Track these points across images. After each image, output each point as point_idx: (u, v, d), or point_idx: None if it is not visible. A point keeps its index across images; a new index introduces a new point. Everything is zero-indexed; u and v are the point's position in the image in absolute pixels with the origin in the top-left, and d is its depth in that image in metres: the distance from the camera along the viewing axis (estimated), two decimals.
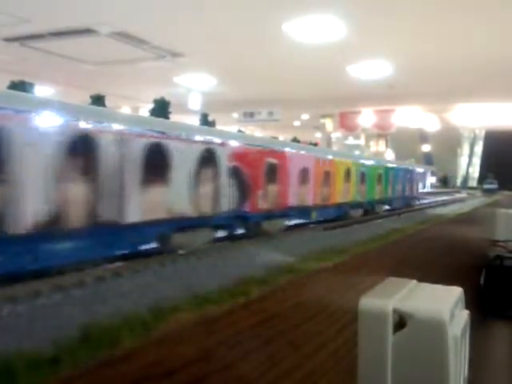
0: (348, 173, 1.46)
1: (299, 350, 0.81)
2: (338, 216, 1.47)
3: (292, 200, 1.14)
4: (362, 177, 1.57)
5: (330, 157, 1.39)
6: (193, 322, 0.55)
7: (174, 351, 0.52)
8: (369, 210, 1.70)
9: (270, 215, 1.07)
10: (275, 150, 1.09)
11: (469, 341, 1.20)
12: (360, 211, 1.62)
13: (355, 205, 1.56)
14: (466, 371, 1.22)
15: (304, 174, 1.19)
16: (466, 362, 1.21)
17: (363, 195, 1.60)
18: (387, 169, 1.85)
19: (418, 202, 2.42)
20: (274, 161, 1.06)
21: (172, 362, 0.52)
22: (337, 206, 1.41)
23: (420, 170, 2.56)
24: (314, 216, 1.28)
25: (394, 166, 1.99)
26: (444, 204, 3.03)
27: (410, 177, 2.15)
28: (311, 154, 1.28)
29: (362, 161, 1.66)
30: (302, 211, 1.22)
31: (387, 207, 1.94)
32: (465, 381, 1.20)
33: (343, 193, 1.44)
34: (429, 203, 2.82)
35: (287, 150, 1.17)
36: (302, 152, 1.23)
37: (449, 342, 1.01)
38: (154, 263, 0.76)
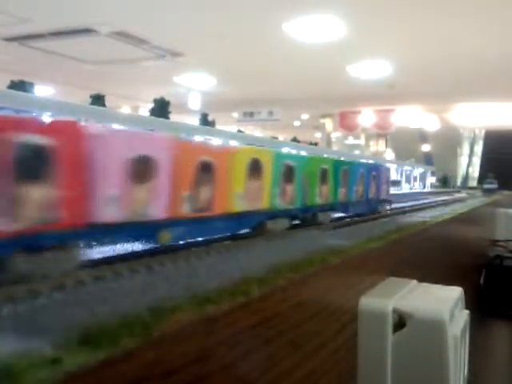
0: (256, 166, 0.98)
1: (299, 350, 0.81)
2: (234, 231, 1.02)
3: (102, 212, 0.65)
4: (289, 173, 1.10)
5: (218, 141, 0.97)
6: (193, 322, 0.55)
7: (173, 351, 0.52)
8: (307, 219, 1.28)
9: (29, 242, 0.59)
10: (41, 122, 0.60)
11: (469, 340, 1.21)
12: (286, 222, 1.15)
13: (277, 213, 1.10)
14: (466, 371, 1.22)
15: (138, 167, 0.70)
16: (466, 361, 1.21)
17: (291, 199, 1.12)
18: (338, 163, 1.38)
19: (388, 207, 1.94)
20: (36, 140, 0.57)
21: (172, 362, 0.52)
22: (230, 216, 0.94)
23: (391, 166, 2.26)
24: (167, 238, 0.78)
25: (351, 159, 1.71)
26: (423, 208, 2.54)
27: (376, 174, 1.67)
28: (161, 134, 0.83)
29: (289, 150, 1.29)
30: (133, 230, 0.73)
31: (339, 215, 1.52)
32: (464, 380, 1.20)
33: (246, 197, 0.95)
34: (404, 207, 2.38)
35: (96, 124, 0.76)
36: (141, 128, 0.80)
37: (449, 342, 1.01)
38: (154, 263, 0.76)
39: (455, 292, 1.20)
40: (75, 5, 5.97)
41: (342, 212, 1.52)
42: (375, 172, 1.67)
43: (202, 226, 0.88)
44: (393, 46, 7.33)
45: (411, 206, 2.55)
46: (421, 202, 3.19)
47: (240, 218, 0.98)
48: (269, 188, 1.03)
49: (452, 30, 6.42)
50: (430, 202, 3.11)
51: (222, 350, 0.60)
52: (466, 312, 1.20)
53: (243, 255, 0.89)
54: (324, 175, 1.28)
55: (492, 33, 6.46)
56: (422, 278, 1.28)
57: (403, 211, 2.17)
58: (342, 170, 1.38)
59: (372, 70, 8.67)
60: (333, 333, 0.94)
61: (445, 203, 3.16)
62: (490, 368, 2.43)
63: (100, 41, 7.33)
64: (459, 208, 2.77)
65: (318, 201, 1.26)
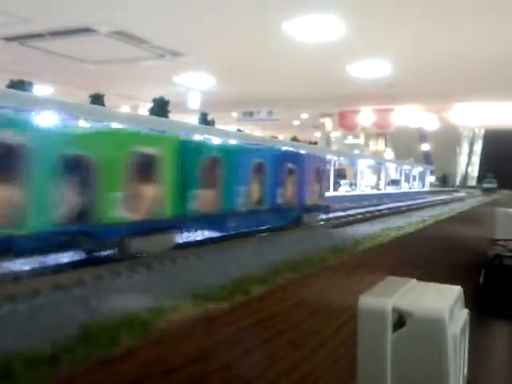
0: None
1: (299, 349, 0.81)
2: None
3: None
4: (8, 162, 0.56)
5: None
6: (193, 322, 0.55)
7: (173, 350, 0.52)
8: (110, 247, 0.75)
9: None
10: None
11: (468, 339, 1.21)
12: None
13: None
14: (466, 370, 1.22)
15: None
16: (466, 360, 1.21)
17: (12, 219, 0.57)
18: (191, 146, 0.83)
19: (324, 217, 1.41)
20: None
21: (172, 361, 0.52)
22: None
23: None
24: None
25: (243, 143, 1.03)
26: (378, 215, 1.88)
27: (296, 168, 1.11)
28: None
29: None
30: None
31: (210, 235, 1.00)
32: (464, 379, 1.20)
33: None
34: (348, 216, 1.76)
35: None
36: None
37: (448, 341, 1.01)
38: (154, 263, 0.76)
39: (455, 291, 1.20)
40: (75, 5, 5.96)
41: (215, 229, 0.95)
42: (294, 164, 1.09)
43: None
44: (392, 45, 7.33)
45: (363, 214, 1.85)
46: (388, 205, 2.64)
47: None
48: None
49: (452, 29, 6.42)
50: (399, 206, 2.52)
51: (222, 349, 0.60)
52: (466, 311, 1.20)
53: None
54: (149, 167, 0.73)
55: (492, 33, 6.46)
56: (422, 277, 1.28)
57: (343, 223, 1.53)
58: (205, 159, 0.82)
59: (371, 69, 8.67)
60: (332, 332, 0.95)
61: (434, 203, 3.15)
62: (490, 366, 2.43)
63: (100, 41, 7.32)
64: (458, 207, 2.77)
65: (126, 214, 0.68)
